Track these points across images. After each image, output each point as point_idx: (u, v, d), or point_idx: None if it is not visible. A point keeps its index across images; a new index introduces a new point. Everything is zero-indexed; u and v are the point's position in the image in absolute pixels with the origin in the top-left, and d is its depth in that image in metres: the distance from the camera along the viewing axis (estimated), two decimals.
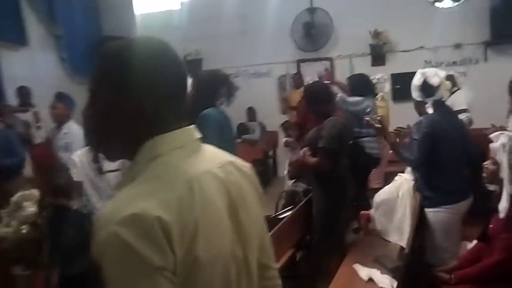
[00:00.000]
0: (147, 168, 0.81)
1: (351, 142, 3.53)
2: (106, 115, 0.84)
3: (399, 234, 3.04)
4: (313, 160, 3.00)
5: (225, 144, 2.60)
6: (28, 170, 4.57)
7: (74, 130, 4.13)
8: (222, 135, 2.67)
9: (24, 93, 5.63)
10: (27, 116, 5.47)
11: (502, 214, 2.23)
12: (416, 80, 2.89)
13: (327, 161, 2.94)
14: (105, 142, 0.89)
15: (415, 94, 2.92)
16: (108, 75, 0.83)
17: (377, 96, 4.50)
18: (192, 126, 0.90)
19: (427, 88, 2.84)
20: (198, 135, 0.91)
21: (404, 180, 3.17)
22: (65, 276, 2.74)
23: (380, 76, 4.61)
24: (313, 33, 6.90)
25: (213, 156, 0.92)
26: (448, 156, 2.76)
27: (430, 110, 2.87)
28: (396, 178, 3.25)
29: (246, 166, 1.00)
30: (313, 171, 3.07)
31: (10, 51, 5.99)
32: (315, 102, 3.11)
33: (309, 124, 4.15)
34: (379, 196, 3.20)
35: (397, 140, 3.28)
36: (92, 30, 7.49)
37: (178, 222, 0.74)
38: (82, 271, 2.61)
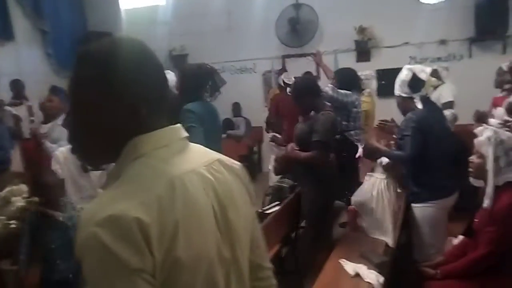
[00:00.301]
0: (129, 168, 0.80)
1: (338, 136, 3.59)
2: (89, 118, 0.83)
3: (383, 232, 3.09)
4: (305, 154, 3.02)
5: (209, 137, 2.64)
6: (17, 164, 4.54)
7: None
8: (206, 129, 2.67)
9: (18, 86, 5.57)
10: (19, 110, 5.41)
11: (485, 205, 2.27)
12: (404, 76, 2.91)
13: (322, 154, 2.98)
14: (88, 147, 0.87)
15: (402, 90, 2.92)
16: (89, 77, 0.82)
17: (363, 92, 4.55)
18: (178, 125, 0.89)
19: (415, 84, 2.87)
20: (184, 134, 0.90)
21: (375, 180, 3.22)
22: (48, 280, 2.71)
23: (368, 72, 4.65)
24: (298, 29, 6.91)
25: (199, 155, 0.91)
26: (436, 152, 2.80)
27: (419, 106, 2.90)
28: (366, 178, 3.29)
29: (236, 164, 0.99)
30: (304, 165, 3.09)
31: None
32: (302, 96, 3.13)
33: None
34: (355, 198, 3.25)
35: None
36: (78, 26, 7.43)
37: (157, 223, 0.73)
38: (65, 276, 2.60)
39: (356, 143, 3.95)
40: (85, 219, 0.73)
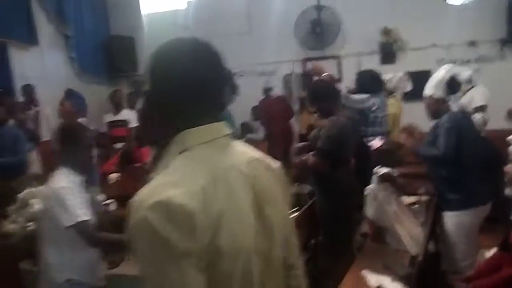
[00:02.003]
0: (176, 159, 0.88)
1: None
2: (151, 108, 0.95)
3: (401, 244, 2.96)
4: (311, 160, 2.93)
5: None
6: (37, 167, 4.60)
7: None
8: None
9: (28, 91, 5.66)
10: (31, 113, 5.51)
11: None
12: (441, 76, 2.75)
13: (323, 162, 2.86)
14: (149, 131, 1.00)
15: (437, 91, 2.74)
16: (152, 73, 0.93)
17: (393, 94, 4.39)
18: (222, 122, 0.95)
19: (453, 85, 2.73)
20: (227, 131, 0.96)
21: (373, 193, 3.07)
22: None
23: (402, 74, 4.46)
24: (320, 31, 6.79)
25: (240, 153, 0.97)
26: (471, 156, 2.66)
27: (454, 107, 2.76)
28: (366, 193, 3.14)
29: (274, 164, 1.05)
30: (315, 173, 2.99)
31: (20, 50, 6.06)
32: (318, 100, 3.03)
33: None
34: (366, 210, 3.14)
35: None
36: (100, 30, 7.57)
37: (202, 211, 0.79)
38: None
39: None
40: (137, 204, 0.79)
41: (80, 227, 1.99)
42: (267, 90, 6.86)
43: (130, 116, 5.49)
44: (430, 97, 2.79)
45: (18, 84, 5.74)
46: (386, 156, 3.11)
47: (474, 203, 2.68)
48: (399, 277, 2.51)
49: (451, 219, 2.75)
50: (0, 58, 5.71)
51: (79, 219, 1.97)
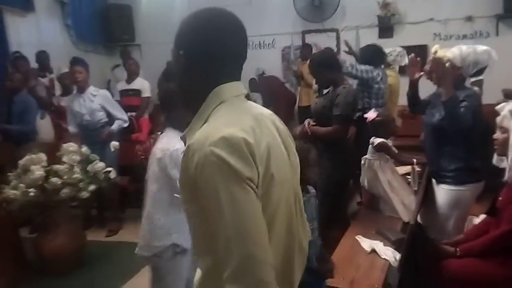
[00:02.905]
0: (217, 109, 0.99)
1: (360, 113, 3.51)
2: (189, 69, 1.03)
3: (394, 211, 3.07)
4: (325, 129, 2.96)
5: None
6: (45, 135, 4.62)
7: (101, 91, 4.31)
8: None
9: (43, 58, 5.62)
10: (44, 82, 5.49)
11: (506, 178, 2.18)
12: (471, 52, 2.58)
13: (343, 128, 2.92)
14: (185, 86, 1.07)
15: (463, 63, 2.57)
16: (191, 36, 1.01)
17: (392, 67, 4.46)
18: (241, 81, 1.07)
19: (478, 69, 2.65)
20: (245, 90, 1.09)
21: (369, 162, 3.17)
22: None
23: (400, 49, 4.52)
24: (319, 4, 6.74)
25: (260, 107, 1.11)
26: (477, 132, 2.59)
27: (468, 83, 2.75)
28: (362, 162, 3.23)
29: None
30: (323, 141, 3.04)
31: (16, 17, 5.95)
32: (321, 70, 3.06)
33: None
34: (361, 179, 3.25)
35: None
36: None
37: (257, 144, 0.91)
38: None
39: None
40: (199, 143, 0.88)
41: None
42: (260, 75, 7.00)
43: (143, 85, 5.43)
44: (451, 62, 2.58)
45: (14, 51, 5.68)
46: (381, 126, 3.17)
47: (474, 179, 2.62)
48: (391, 242, 2.62)
49: (446, 192, 2.67)
50: None
51: None
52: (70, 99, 4.39)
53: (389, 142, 3.17)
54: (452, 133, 2.57)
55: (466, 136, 2.56)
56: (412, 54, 2.93)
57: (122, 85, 5.51)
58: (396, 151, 3.17)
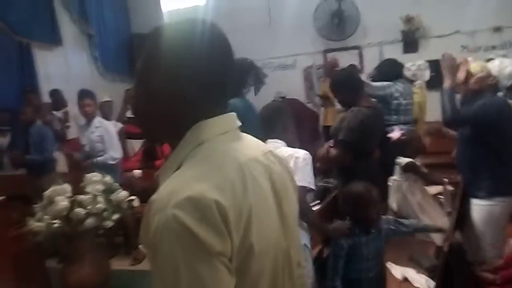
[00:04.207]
0: (194, 153, 0.79)
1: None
2: (152, 98, 0.82)
3: (427, 234, 2.91)
4: (333, 153, 2.87)
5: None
6: (61, 166, 4.73)
7: (105, 123, 4.35)
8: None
9: (55, 95, 5.83)
10: (59, 115, 5.67)
11: None
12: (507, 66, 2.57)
13: (346, 154, 2.79)
14: (149, 124, 0.88)
15: (499, 73, 2.55)
16: (154, 59, 0.81)
17: (415, 83, 4.31)
18: (233, 113, 0.88)
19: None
20: (238, 123, 0.89)
21: (396, 183, 3.05)
22: None
23: (420, 62, 4.37)
24: (340, 22, 6.71)
25: (255, 144, 0.92)
26: (507, 141, 2.53)
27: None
28: (389, 183, 3.12)
29: (283, 157, 0.99)
30: (335, 165, 2.95)
31: (45, 50, 6.20)
32: (342, 89, 2.97)
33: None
34: (390, 202, 3.11)
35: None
36: (122, 29, 7.68)
37: (233, 206, 0.72)
38: None
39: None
40: (161, 202, 0.70)
41: (304, 192, 2.05)
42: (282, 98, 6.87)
43: None
44: (488, 71, 2.53)
45: (43, 84, 5.89)
46: (406, 145, 3.05)
47: (506, 191, 2.52)
48: (424, 269, 2.49)
49: (479, 208, 2.58)
50: (25, 58, 5.86)
51: (309, 185, 2.09)
52: (79, 130, 4.53)
53: (417, 161, 3.04)
54: (482, 143, 2.50)
55: (496, 145, 2.49)
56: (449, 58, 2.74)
57: (130, 113, 5.63)
58: (426, 171, 3.03)
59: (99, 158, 4.25)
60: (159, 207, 0.70)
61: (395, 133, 3.11)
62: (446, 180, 3.02)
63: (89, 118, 4.31)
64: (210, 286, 0.68)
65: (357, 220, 2.11)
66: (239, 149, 0.83)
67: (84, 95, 4.38)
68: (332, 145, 2.95)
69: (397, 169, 3.05)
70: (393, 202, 3.10)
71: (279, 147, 2.16)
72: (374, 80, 4.04)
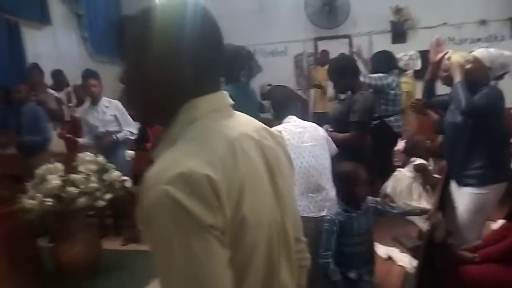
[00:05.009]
0: (187, 130, 0.81)
1: (377, 121, 3.50)
2: (145, 78, 0.83)
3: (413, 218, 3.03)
4: (342, 135, 2.91)
5: None
6: (56, 145, 4.69)
7: (114, 102, 4.32)
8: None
9: (58, 77, 5.81)
10: (61, 95, 5.62)
11: None
12: (502, 55, 2.64)
13: (360, 135, 2.88)
14: (143, 106, 0.89)
15: (492, 63, 2.58)
16: (146, 38, 0.81)
17: (407, 73, 4.42)
18: (224, 91, 0.89)
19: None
20: (230, 101, 0.90)
21: (402, 176, 3.14)
22: None
23: (412, 52, 4.47)
24: (330, 10, 6.75)
25: (247, 121, 0.92)
26: (499, 131, 2.56)
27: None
28: (395, 173, 3.21)
29: (278, 134, 1.00)
30: (341, 148, 3.01)
31: (33, 29, 6.08)
32: (341, 75, 3.03)
33: None
34: (383, 189, 3.22)
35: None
36: (112, 9, 7.57)
37: (225, 180, 0.73)
38: None
39: (395, 131, 3.85)
40: (154, 178, 0.72)
41: None
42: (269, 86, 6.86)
43: None
44: (477, 60, 2.55)
45: (31, 63, 5.81)
46: (415, 147, 3.18)
47: (498, 178, 2.54)
48: (408, 249, 2.59)
49: (471, 196, 2.56)
50: (13, 37, 5.76)
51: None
52: (84, 111, 4.45)
53: (430, 165, 3.17)
54: (477, 131, 2.51)
55: (489, 134, 2.51)
56: (438, 36, 2.92)
57: None
58: (436, 177, 3.16)
59: (119, 135, 4.24)
60: (152, 184, 0.71)
61: (399, 146, 3.25)
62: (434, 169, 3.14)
63: (96, 99, 4.27)
64: (203, 258, 0.70)
65: (348, 196, 2.21)
66: (231, 126, 0.84)
67: (89, 74, 4.31)
68: (332, 129, 3.02)
69: (410, 165, 3.15)
70: (388, 187, 3.20)
71: (296, 120, 2.43)
72: (369, 72, 4.13)
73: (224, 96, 0.89)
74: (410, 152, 3.28)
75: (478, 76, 2.51)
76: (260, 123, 0.96)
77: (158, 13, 0.82)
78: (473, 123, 2.49)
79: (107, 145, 4.15)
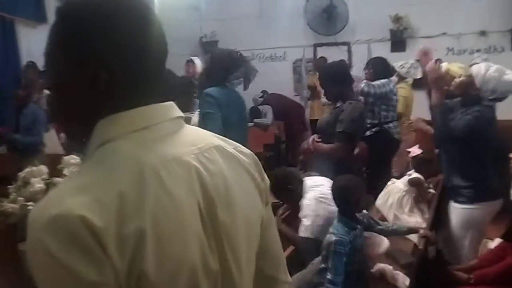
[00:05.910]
0: (94, 155, 0.66)
1: (377, 128, 3.45)
2: (59, 86, 0.70)
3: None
4: (327, 146, 2.86)
5: (230, 126, 2.53)
6: (53, 148, 4.62)
7: None
8: (226, 116, 2.55)
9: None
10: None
11: None
12: (494, 72, 2.50)
13: (346, 146, 2.79)
14: (62, 118, 0.74)
15: (485, 83, 2.48)
16: (59, 37, 0.68)
17: (406, 80, 4.43)
18: (169, 103, 0.73)
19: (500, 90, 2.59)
20: (177, 113, 0.73)
21: (394, 188, 3.08)
22: None
23: (413, 61, 4.51)
24: (330, 17, 6.70)
25: (191, 140, 0.73)
26: (490, 147, 2.54)
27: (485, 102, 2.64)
28: (388, 183, 3.16)
29: (243, 153, 0.81)
30: (327, 158, 2.94)
31: (29, 27, 6.01)
32: (331, 82, 2.96)
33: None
34: (377, 201, 3.16)
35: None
36: None
37: (115, 227, 0.58)
38: None
39: (395, 137, 3.83)
40: (31, 220, 0.59)
41: None
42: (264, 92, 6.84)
43: None
44: (471, 76, 2.50)
45: (26, 61, 5.73)
46: (424, 164, 3.13)
47: (488, 197, 2.52)
48: (401, 266, 2.51)
49: (460, 212, 2.57)
50: (8, 35, 5.70)
51: None
52: None
53: (426, 181, 3.13)
54: (465, 148, 2.49)
55: (479, 151, 2.49)
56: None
57: None
58: (431, 192, 3.12)
59: None
60: (29, 229, 0.59)
61: (415, 150, 3.19)
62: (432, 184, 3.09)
63: None
64: None
65: (351, 210, 2.11)
66: (154, 149, 0.66)
67: None
68: (319, 139, 2.95)
69: (405, 177, 3.10)
70: (380, 200, 3.13)
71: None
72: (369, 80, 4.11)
73: (160, 110, 0.71)
74: (419, 167, 3.19)
75: (471, 91, 2.45)
76: (215, 141, 0.78)
77: (76, 6, 0.69)
78: (459, 143, 2.48)
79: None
